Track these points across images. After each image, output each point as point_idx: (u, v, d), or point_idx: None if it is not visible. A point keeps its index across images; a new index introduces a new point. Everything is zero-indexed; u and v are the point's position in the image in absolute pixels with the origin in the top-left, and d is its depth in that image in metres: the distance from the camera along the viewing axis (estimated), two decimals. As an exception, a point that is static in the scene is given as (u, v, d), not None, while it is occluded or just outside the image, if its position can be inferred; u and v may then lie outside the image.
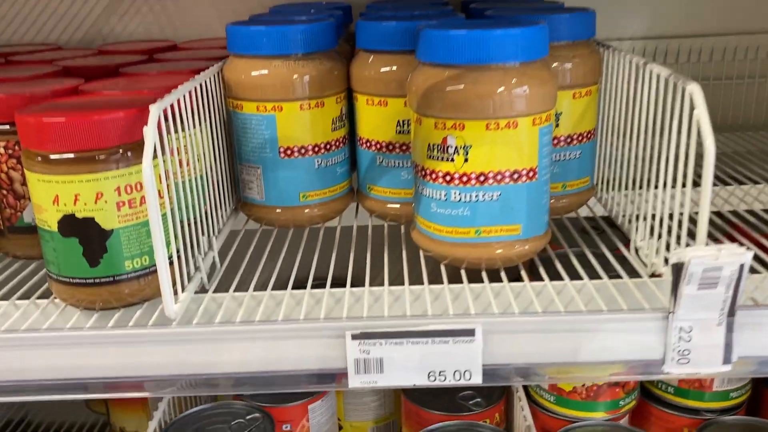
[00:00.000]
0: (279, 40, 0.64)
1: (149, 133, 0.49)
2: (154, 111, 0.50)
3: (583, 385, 0.75)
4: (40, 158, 0.51)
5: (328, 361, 0.53)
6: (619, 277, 0.58)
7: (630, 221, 0.65)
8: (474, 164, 0.55)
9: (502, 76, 0.54)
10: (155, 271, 0.55)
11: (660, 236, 0.58)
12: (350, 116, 0.70)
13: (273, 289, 0.58)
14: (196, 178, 0.60)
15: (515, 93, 0.54)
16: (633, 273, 0.59)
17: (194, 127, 0.59)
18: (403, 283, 0.58)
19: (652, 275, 0.58)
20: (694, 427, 0.75)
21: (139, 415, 0.91)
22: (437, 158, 0.56)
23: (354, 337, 0.52)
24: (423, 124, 0.57)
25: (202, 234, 0.61)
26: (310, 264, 0.63)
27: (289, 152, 0.66)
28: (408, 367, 0.53)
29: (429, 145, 0.57)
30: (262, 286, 0.59)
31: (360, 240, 0.67)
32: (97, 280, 0.53)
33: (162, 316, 0.54)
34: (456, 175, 0.56)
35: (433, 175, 0.57)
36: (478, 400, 0.81)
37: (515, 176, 0.56)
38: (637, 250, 0.63)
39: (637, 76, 0.61)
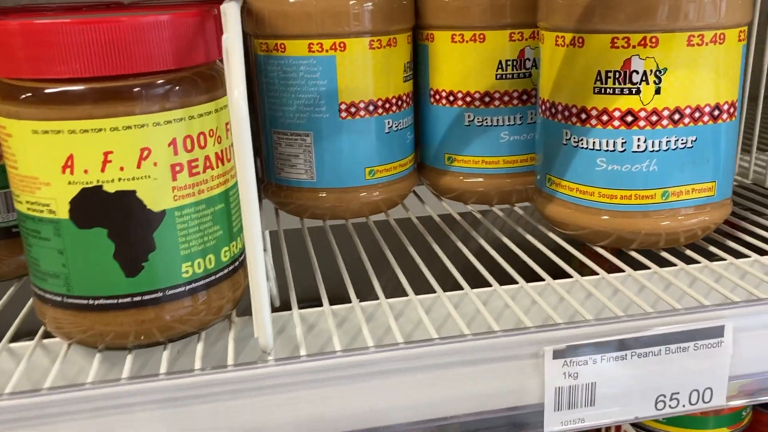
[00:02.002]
0: (338, -51, 0.45)
1: (233, 42, 0.29)
2: (234, 8, 0.30)
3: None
4: (29, 95, 0.29)
5: (511, 395, 0.34)
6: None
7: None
8: (668, 97, 0.40)
9: (711, -33, 0.38)
10: (221, 280, 0.34)
11: None
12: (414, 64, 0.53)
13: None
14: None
15: (727, -8, 0.39)
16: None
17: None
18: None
19: None
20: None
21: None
22: (613, 91, 0.40)
23: (557, 354, 0.34)
24: (588, 45, 0.40)
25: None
26: (391, 270, 0.44)
27: (353, 110, 0.47)
28: (629, 392, 0.35)
29: (599, 74, 0.40)
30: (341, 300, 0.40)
31: (457, 229, 0.49)
32: (137, 299, 0.32)
33: (246, 352, 0.33)
34: (642, 114, 0.40)
35: (605, 117, 0.41)
36: None
37: (715, 113, 0.41)
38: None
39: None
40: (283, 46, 0.46)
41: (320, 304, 0.38)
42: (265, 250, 0.42)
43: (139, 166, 0.30)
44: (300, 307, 0.38)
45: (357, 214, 0.50)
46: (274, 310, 0.38)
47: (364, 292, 0.40)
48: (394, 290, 0.41)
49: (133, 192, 0.30)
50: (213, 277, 0.34)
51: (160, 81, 0.31)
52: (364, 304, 0.38)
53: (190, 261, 0.32)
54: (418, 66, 0.52)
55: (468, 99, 0.50)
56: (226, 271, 0.34)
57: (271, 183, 0.51)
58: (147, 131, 0.30)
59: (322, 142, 0.48)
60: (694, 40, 0.39)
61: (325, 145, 0.48)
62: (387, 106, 0.48)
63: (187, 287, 0.33)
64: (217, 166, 0.33)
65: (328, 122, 0.47)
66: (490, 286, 0.39)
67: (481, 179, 0.52)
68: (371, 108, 0.48)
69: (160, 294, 0.32)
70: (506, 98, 0.49)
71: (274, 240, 0.47)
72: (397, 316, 0.38)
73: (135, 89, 0.30)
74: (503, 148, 0.50)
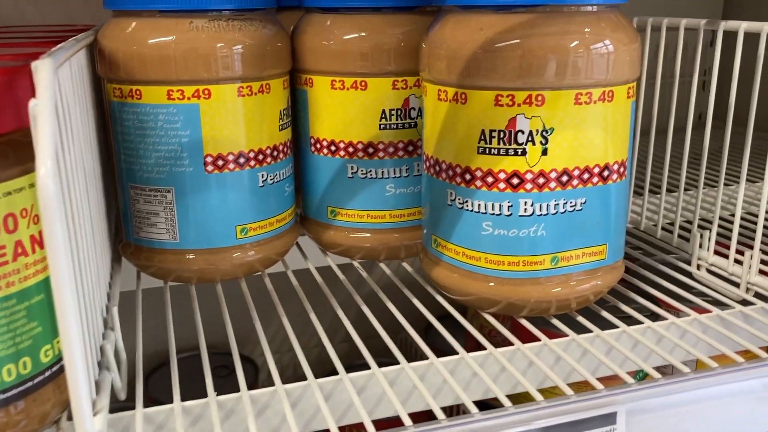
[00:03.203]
0: (201, -13, 0.40)
1: (43, 109, 0.24)
2: (46, 69, 0.25)
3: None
4: None
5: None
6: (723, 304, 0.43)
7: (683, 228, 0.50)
8: (555, 157, 0.37)
9: (597, 22, 0.36)
10: (42, 384, 0.29)
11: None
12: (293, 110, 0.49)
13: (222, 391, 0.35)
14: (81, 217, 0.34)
15: (614, 48, 0.36)
16: (709, 300, 0.44)
17: (80, 126, 0.34)
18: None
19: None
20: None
21: None
22: (498, 152, 0.37)
23: (436, 455, 0.30)
24: (471, 101, 0.37)
25: (94, 303, 0.35)
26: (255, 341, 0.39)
27: (220, 163, 0.43)
28: (517, 489, 0.32)
29: (483, 132, 0.37)
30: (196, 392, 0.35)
31: (339, 293, 0.45)
32: (-75, 421, 0.26)
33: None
34: (528, 176, 0.37)
35: (489, 179, 0.38)
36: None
37: (605, 174, 0.38)
38: (706, 269, 0.48)
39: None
40: (138, 92, 0.41)
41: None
42: (113, 329, 0.37)
43: None
44: (151, 372, 0.33)
45: (230, 275, 0.45)
46: (117, 404, 0.33)
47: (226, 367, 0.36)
48: (262, 369, 0.37)
49: None
50: (30, 383, 0.28)
51: (-48, 155, 0.25)
52: (222, 398, 0.33)
53: (-2, 368, 0.27)
54: (297, 112, 0.48)
55: (350, 149, 0.46)
56: (48, 373, 0.29)
57: (130, 243, 0.45)
58: (-69, 218, 0.24)
59: (186, 198, 0.43)
60: (581, 98, 0.36)
61: (189, 202, 0.43)
62: (260, 157, 0.44)
63: (-6, 399, 0.27)
64: (34, 251, 0.28)
65: (191, 177, 0.42)
66: (369, 368, 0.36)
67: (367, 234, 0.48)
68: (242, 160, 0.43)
69: (-44, 412, 0.26)
70: (391, 149, 0.46)
71: (130, 305, 0.42)
72: (260, 411, 0.34)
73: None
74: (389, 201, 0.47)
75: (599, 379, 0.37)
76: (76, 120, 0.32)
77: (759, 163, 0.69)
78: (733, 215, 0.59)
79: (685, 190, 0.64)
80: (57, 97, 0.26)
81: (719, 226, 0.55)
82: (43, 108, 0.24)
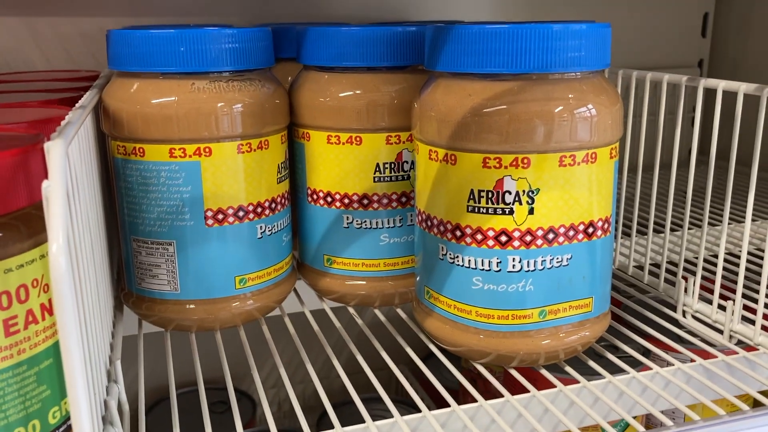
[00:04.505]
0: (203, 50, 0.42)
1: (55, 190, 0.26)
2: (58, 151, 0.27)
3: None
4: None
5: None
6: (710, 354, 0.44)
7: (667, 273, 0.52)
8: (541, 216, 0.38)
9: (580, 86, 0.38)
10: (50, 445, 0.30)
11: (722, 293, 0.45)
12: (290, 162, 0.50)
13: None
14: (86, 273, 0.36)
15: (597, 112, 0.38)
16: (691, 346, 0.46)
17: (87, 190, 0.36)
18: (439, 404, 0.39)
19: (749, 348, 0.45)
20: None
21: None
22: (486, 211, 0.39)
23: None
24: (460, 163, 0.39)
25: (99, 360, 0.36)
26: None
27: (220, 217, 0.44)
28: None
29: (472, 192, 0.39)
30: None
31: (332, 335, 0.47)
32: (-61, 484, 0.27)
33: None
34: (516, 234, 0.39)
35: (479, 236, 0.39)
36: None
37: (590, 231, 0.40)
38: (692, 315, 0.49)
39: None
40: (142, 150, 0.43)
41: None
42: (116, 381, 0.38)
43: (-62, 335, 0.26)
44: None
45: (229, 324, 0.47)
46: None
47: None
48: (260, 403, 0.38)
49: (-68, 364, 0.26)
50: (38, 445, 0.29)
51: (-33, 232, 0.27)
52: (221, 452, 0.35)
53: (9, 431, 0.28)
54: (295, 163, 0.50)
55: (346, 201, 0.48)
56: (55, 434, 0.30)
57: (132, 293, 0.47)
58: (-51, 294, 0.26)
59: (187, 251, 0.44)
60: (566, 160, 0.38)
61: (190, 255, 0.44)
62: (259, 210, 0.46)
63: (5, 462, 0.28)
64: (44, 319, 0.29)
65: (192, 230, 0.44)
66: (363, 422, 0.37)
67: (362, 282, 0.49)
68: (241, 214, 0.45)
69: (-31, 475, 0.28)
70: (385, 201, 0.47)
71: (132, 351, 0.43)
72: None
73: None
74: (384, 250, 0.48)
75: (584, 429, 0.38)
76: (84, 188, 0.33)
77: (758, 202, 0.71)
78: (717, 256, 0.61)
79: (673, 230, 0.65)
80: (68, 175, 0.28)
81: (704, 269, 0.57)
82: (56, 190, 0.26)
